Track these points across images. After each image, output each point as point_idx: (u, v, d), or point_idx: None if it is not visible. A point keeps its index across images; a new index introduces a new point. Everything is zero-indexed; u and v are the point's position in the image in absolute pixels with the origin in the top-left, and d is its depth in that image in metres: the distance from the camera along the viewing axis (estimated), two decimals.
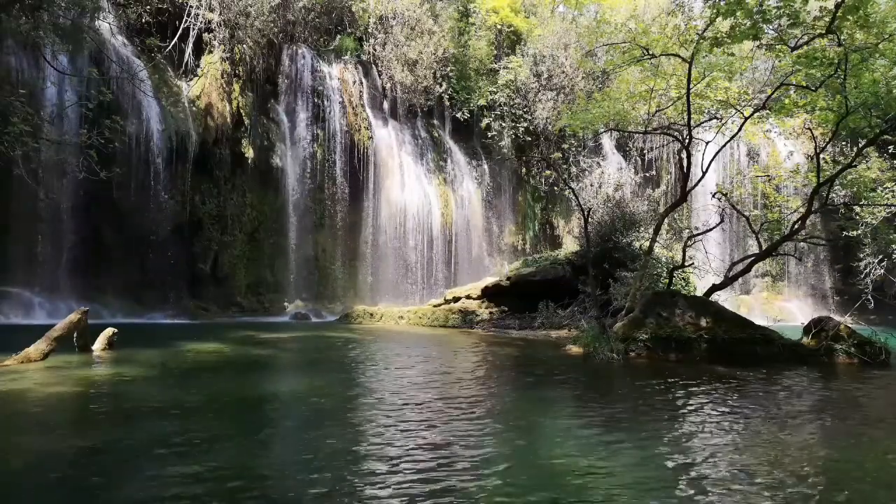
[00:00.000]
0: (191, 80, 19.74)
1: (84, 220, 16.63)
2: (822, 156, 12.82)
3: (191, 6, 19.25)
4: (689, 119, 12.05)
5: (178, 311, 17.89)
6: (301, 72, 22.16)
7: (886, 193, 16.55)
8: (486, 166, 26.59)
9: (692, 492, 3.56)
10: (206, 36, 19.91)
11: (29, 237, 16.02)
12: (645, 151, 28.32)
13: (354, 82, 23.41)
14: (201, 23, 19.58)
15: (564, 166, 26.24)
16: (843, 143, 22.02)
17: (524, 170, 27.49)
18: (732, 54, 11.69)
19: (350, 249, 22.84)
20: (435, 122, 26.20)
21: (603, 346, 9.77)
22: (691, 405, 6.18)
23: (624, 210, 17.88)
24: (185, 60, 19.59)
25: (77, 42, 14.44)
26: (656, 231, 13.26)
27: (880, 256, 20.02)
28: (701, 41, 11.07)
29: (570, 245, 24.22)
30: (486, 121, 26.22)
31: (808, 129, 14.79)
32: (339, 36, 23.93)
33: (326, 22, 23.81)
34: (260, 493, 3.46)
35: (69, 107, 15.57)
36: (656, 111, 14.11)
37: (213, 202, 19.59)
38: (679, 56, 12.14)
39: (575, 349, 10.54)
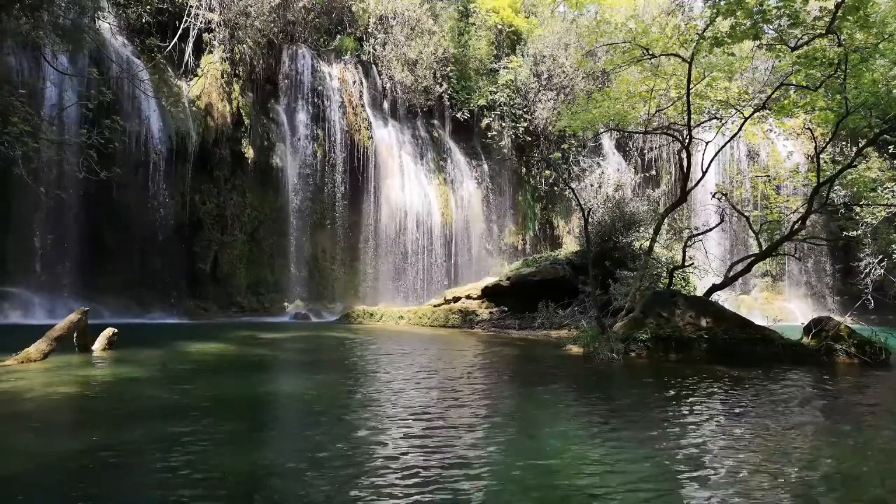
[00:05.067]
0: (191, 80, 19.75)
1: (84, 220, 16.63)
2: (822, 156, 12.82)
3: (191, 6, 19.25)
4: (689, 119, 12.05)
5: (178, 311, 17.90)
6: (301, 72, 22.17)
7: (886, 193, 16.56)
8: (486, 166, 26.59)
9: (692, 492, 3.56)
10: (206, 36, 19.91)
11: (29, 237, 16.03)
12: (645, 151, 28.31)
13: (354, 82, 23.41)
14: (201, 23, 19.58)
15: (564, 166, 26.24)
16: (843, 143, 22.03)
17: (524, 170, 27.50)
18: (732, 54, 11.69)
19: (350, 249, 22.84)
20: (435, 122, 26.21)
21: (603, 346, 9.77)
22: (691, 405, 6.18)
23: (624, 210, 17.88)
24: (185, 60, 19.60)
25: (77, 42, 14.43)
26: (656, 231, 13.26)
27: (880, 256, 20.01)
28: (701, 41, 11.07)
29: (570, 245, 24.22)
30: (486, 121, 26.22)
31: (808, 129, 14.79)
32: (339, 36, 23.93)
33: (326, 22, 23.82)
34: (261, 493, 3.46)
35: (69, 107, 15.57)
36: (656, 111, 14.11)
37: (213, 202, 19.60)
38: (679, 56, 12.14)
39: (575, 349, 10.53)
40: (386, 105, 24.67)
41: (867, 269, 20.52)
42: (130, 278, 17.25)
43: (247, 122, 20.54)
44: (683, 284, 16.65)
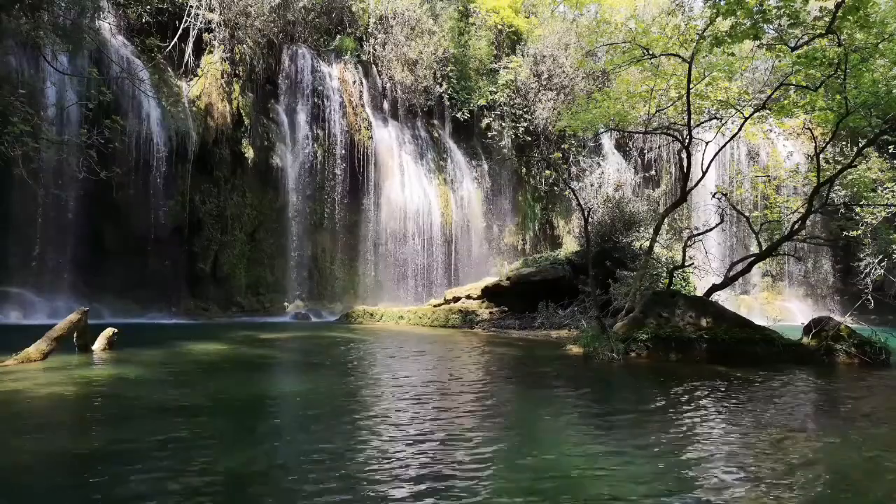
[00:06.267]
0: (191, 80, 19.74)
1: (84, 220, 16.62)
2: (822, 156, 12.81)
3: (191, 6, 19.25)
4: (689, 119, 12.04)
5: (178, 311, 17.90)
6: (301, 72, 22.16)
7: (886, 193, 16.55)
8: (486, 166, 26.59)
9: (692, 492, 3.56)
10: (206, 36, 19.91)
11: (29, 237, 16.02)
12: (645, 151, 28.30)
13: (354, 82, 23.40)
14: (201, 23, 19.58)
15: (564, 166, 26.23)
16: (843, 143, 22.00)
17: (524, 170, 27.49)
18: (732, 54, 11.68)
19: (350, 249, 22.84)
20: (435, 122, 26.20)
21: (603, 346, 9.77)
22: (691, 405, 6.17)
23: (624, 210, 17.88)
24: (185, 60, 19.59)
25: (77, 42, 14.44)
26: (656, 231, 13.25)
27: (880, 256, 19.99)
28: (701, 41, 11.06)
29: (570, 245, 24.22)
30: (486, 121, 26.21)
31: (808, 129, 14.77)
32: (339, 36, 23.92)
33: (326, 22, 23.80)
34: (261, 493, 3.46)
35: (69, 107, 15.57)
36: (656, 111, 14.10)
37: (213, 202, 19.59)
38: (679, 56, 12.14)
39: (575, 349, 10.53)
40: (386, 105, 24.66)
41: (867, 269, 20.50)
42: (130, 278, 17.25)
43: (247, 122, 20.53)
44: (683, 284, 16.65)
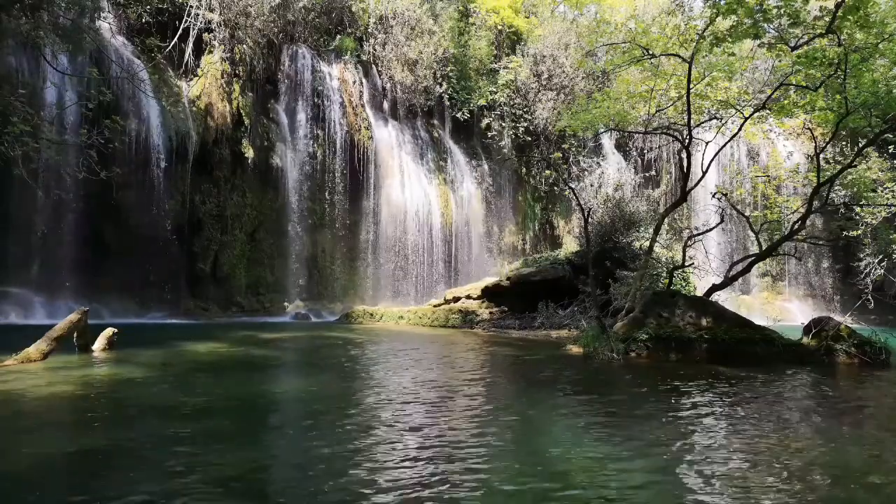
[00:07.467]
0: (191, 80, 19.75)
1: (84, 220, 16.62)
2: (822, 156, 12.82)
3: (191, 6, 19.25)
4: (689, 119, 12.04)
5: (178, 311, 17.90)
6: (301, 72, 22.17)
7: (886, 193, 16.56)
8: (486, 166, 26.59)
9: (693, 493, 3.56)
10: (206, 36, 19.92)
11: (29, 237, 16.02)
12: (645, 151, 28.31)
13: (354, 82, 23.41)
14: (201, 23, 19.58)
15: (564, 166, 26.23)
16: (843, 143, 22.02)
17: (524, 170, 27.49)
18: (732, 54, 11.68)
19: (350, 249, 22.85)
20: (435, 122, 26.20)
21: (603, 346, 9.76)
22: (691, 406, 6.17)
23: (624, 210, 17.86)
24: (185, 60, 19.60)
25: (77, 42, 14.44)
26: (656, 231, 13.25)
27: (880, 256, 20.02)
28: (701, 41, 11.06)
29: (570, 245, 24.21)
30: (486, 121, 26.22)
31: (808, 129, 14.78)
32: (338, 36, 23.93)
33: (326, 22, 23.81)
34: (260, 493, 3.46)
35: (69, 107, 15.57)
36: (656, 111, 14.09)
37: (213, 202, 19.59)
38: (679, 56, 12.13)
39: (575, 349, 10.53)
40: (386, 105, 24.67)
41: (867, 269, 20.52)
42: (130, 278, 17.24)
43: (247, 122, 20.53)
44: (683, 284, 16.64)
